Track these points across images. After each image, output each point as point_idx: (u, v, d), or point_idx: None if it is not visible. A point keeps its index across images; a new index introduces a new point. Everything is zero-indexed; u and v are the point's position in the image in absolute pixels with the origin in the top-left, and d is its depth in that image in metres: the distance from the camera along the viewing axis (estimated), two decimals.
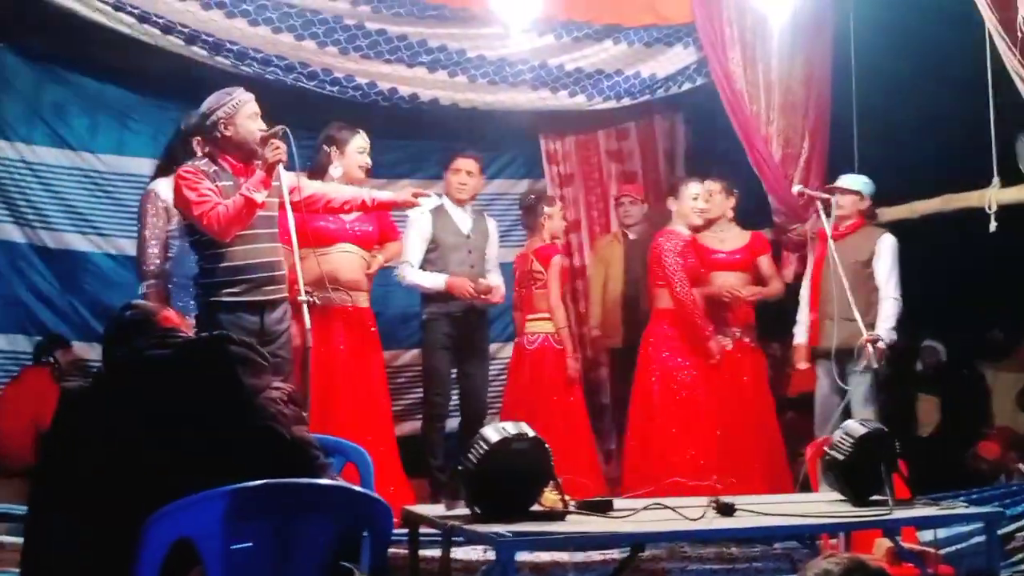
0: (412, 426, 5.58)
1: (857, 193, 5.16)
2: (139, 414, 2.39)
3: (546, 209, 5.47)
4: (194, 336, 2.56)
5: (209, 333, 2.62)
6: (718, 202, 5.43)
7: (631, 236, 5.91)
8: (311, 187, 4.29)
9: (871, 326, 4.92)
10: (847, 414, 4.69)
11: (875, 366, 4.59)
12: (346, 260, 4.68)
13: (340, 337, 4.65)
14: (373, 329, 4.80)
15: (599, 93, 6.02)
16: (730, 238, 5.49)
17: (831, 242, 4.72)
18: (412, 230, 5.14)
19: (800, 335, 5.29)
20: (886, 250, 5.11)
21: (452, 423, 5.34)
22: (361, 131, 4.76)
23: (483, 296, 5.07)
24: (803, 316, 5.30)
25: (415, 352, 5.74)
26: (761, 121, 5.86)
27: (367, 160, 4.74)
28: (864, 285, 5.03)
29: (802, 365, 5.28)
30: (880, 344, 4.82)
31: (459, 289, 5.01)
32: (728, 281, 5.37)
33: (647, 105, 6.28)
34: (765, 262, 5.53)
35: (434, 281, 5.07)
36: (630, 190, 6.09)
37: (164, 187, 4.57)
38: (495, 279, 5.27)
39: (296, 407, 2.57)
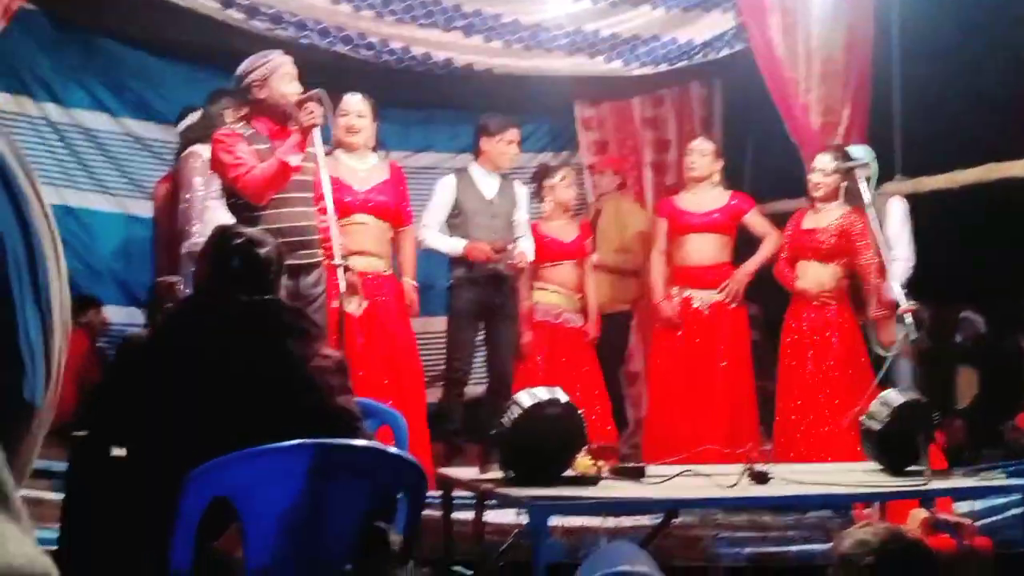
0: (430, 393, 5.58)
1: (865, 165, 4.95)
2: (189, 373, 2.41)
3: (545, 181, 5.44)
4: (247, 299, 2.52)
5: (262, 297, 2.55)
6: (707, 163, 5.29)
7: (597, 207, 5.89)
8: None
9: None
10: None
11: (913, 336, 4.46)
12: (361, 231, 4.67)
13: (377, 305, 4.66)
14: (391, 297, 4.74)
15: (636, 59, 5.95)
16: (707, 200, 5.32)
17: (871, 210, 4.62)
18: (435, 194, 5.15)
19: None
20: (894, 212, 4.96)
21: (473, 389, 5.35)
22: (349, 93, 4.65)
23: (507, 261, 5.06)
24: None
25: (429, 319, 5.70)
26: (800, 89, 5.76)
27: (355, 121, 4.65)
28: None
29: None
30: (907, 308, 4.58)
31: (476, 253, 5.00)
32: (702, 245, 5.27)
33: (683, 71, 6.19)
34: (754, 219, 5.34)
35: (453, 246, 5.07)
36: (610, 162, 6.07)
37: (206, 149, 4.59)
38: (524, 244, 5.25)
39: (344, 376, 2.57)
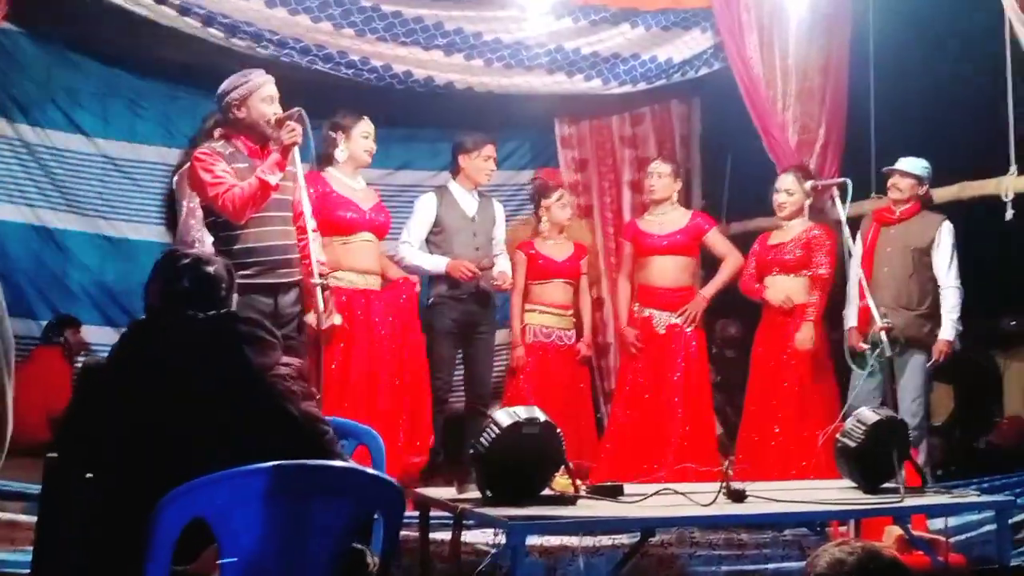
0: None
1: (916, 177, 5.04)
2: (152, 392, 2.41)
3: (543, 200, 5.53)
4: (202, 315, 2.55)
5: (217, 312, 2.60)
6: (666, 184, 5.38)
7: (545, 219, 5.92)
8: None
9: (929, 316, 4.91)
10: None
11: (888, 354, 4.50)
12: (366, 248, 4.80)
13: (377, 319, 4.77)
14: (392, 311, 4.87)
15: (615, 77, 5.99)
16: (669, 221, 5.40)
17: (845, 228, 4.66)
18: (415, 211, 5.20)
19: (851, 319, 5.11)
20: (946, 237, 5.00)
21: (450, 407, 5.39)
22: (366, 116, 4.84)
23: (488, 279, 5.11)
24: (853, 300, 5.08)
25: None
26: (777, 107, 5.82)
27: (372, 144, 4.85)
28: (920, 273, 4.97)
29: (864, 344, 4.99)
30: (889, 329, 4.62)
31: (458, 271, 5.03)
32: (665, 267, 5.33)
33: (663, 90, 6.24)
34: (715, 238, 5.43)
35: (435, 264, 5.11)
36: (549, 174, 6.13)
37: None
38: (503, 263, 5.29)
39: (305, 383, 2.58)
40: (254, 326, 2.54)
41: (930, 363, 4.93)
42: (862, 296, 4.91)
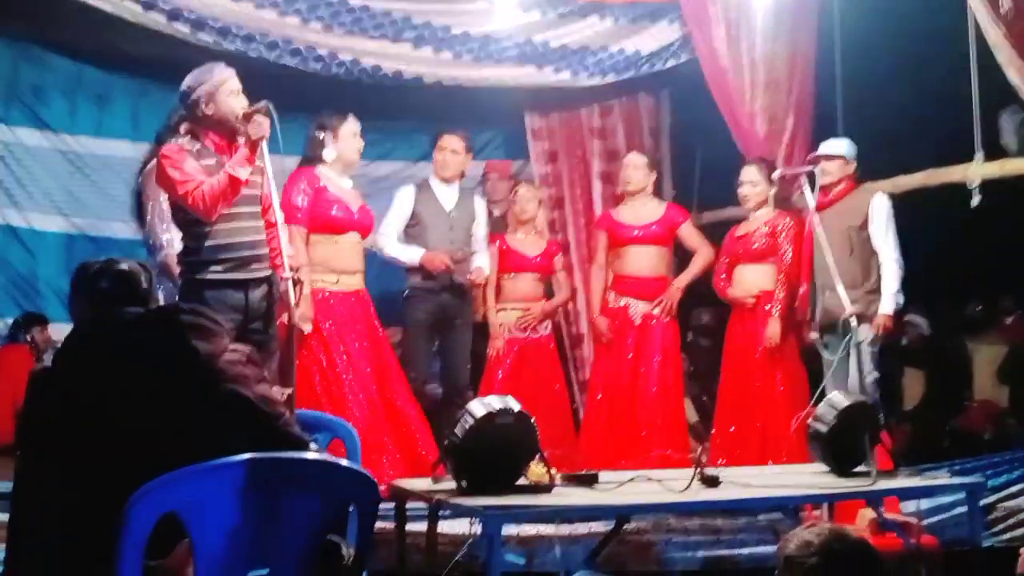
0: None
1: (841, 157, 5.05)
2: (101, 391, 2.39)
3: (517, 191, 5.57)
4: (140, 311, 2.56)
5: (158, 306, 2.62)
6: (642, 176, 5.44)
7: (495, 212, 5.92)
8: None
9: (875, 291, 4.88)
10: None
11: (858, 340, 4.51)
12: (352, 248, 4.82)
13: (352, 319, 4.77)
14: (371, 311, 4.88)
15: (584, 69, 6.00)
16: (645, 212, 5.45)
17: (815, 216, 4.70)
18: (393, 204, 5.22)
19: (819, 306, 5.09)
20: (879, 210, 4.97)
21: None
22: (352, 114, 4.83)
23: (464, 272, 5.11)
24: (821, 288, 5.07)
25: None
26: (745, 98, 5.85)
27: (360, 143, 4.85)
28: (861, 250, 4.94)
29: (813, 335, 5.09)
30: (881, 316, 4.78)
31: (433, 263, 5.03)
32: (641, 257, 5.37)
33: (631, 82, 6.25)
34: (688, 231, 5.50)
35: (411, 255, 5.12)
36: (496, 167, 6.13)
37: None
38: (480, 259, 5.30)
39: (257, 367, 2.57)
40: (196, 315, 2.53)
41: (871, 339, 4.84)
42: (805, 281, 5.05)
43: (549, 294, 5.58)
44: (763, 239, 5.21)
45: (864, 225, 4.96)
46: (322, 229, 4.69)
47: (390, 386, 4.81)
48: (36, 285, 5.62)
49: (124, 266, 2.65)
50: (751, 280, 5.22)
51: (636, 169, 5.44)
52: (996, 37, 4.63)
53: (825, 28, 5.90)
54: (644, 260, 5.40)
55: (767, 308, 5.12)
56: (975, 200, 5.00)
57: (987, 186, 5.03)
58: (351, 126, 4.81)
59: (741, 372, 5.18)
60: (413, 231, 5.18)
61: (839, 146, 5.12)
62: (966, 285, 6.75)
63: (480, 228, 5.36)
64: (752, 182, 5.26)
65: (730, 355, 5.27)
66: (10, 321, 5.57)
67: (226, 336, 2.54)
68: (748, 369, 5.15)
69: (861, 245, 4.94)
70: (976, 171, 5.05)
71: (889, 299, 4.88)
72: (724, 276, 5.34)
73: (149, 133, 5.57)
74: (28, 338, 5.51)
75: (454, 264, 5.08)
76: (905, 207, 5.46)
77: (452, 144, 5.22)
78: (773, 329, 5.07)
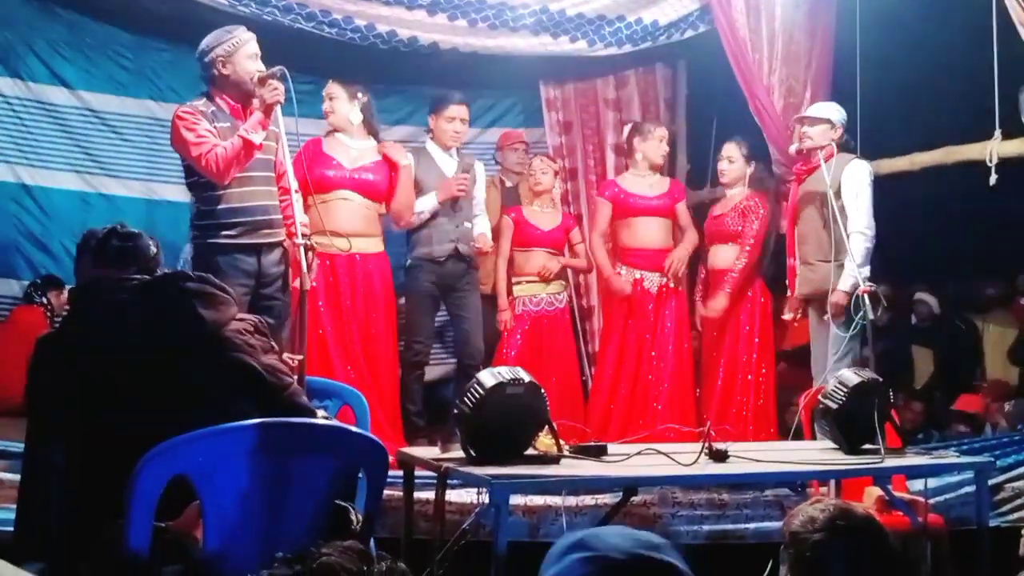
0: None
1: (827, 121, 4.88)
2: (106, 356, 2.40)
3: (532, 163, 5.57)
4: (147, 277, 2.56)
5: (165, 272, 2.63)
6: (664, 150, 5.46)
7: (508, 183, 5.91)
8: None
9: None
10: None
11: (871, 317, 4.44)
12: (345, 208, 4.71)
13: (341, 283, 4.72)
14: (376, 275, 4.82)
15: (600, 39, 5.94)
16: (655, 183, 5.47)
17: (830, 192, 4.64)
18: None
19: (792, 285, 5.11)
20: (850, 178, 4.71)
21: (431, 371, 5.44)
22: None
23: (468, 241, 5.08)
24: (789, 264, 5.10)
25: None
26: (763, 70, 5.78)
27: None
28: (837, 221, 4.65)
29: (786, 315, 5.18)
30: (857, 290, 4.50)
31: (449, 190, 5.00)
32: (647, 228, 5.38)
33: (648, 52, 6.19)
34: (681, 210, 5.52)
35: (428, 202, 5.03)
36: (511, 136, 6.09)
37: None
38: (482, 224, 5.27)
39: (264, 336, 2.57)
40: (203, 282, 2.53)
41: (824, 316, 4.73)
42: (791, 255, 5.03)
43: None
44: (734, 221, 5.32)
45: (838, 194, 4.72)
46: (309, 190, 4.42)
47: (373, 346, 4.79)
48: (51, 247, 5.62)
49: (133, 230, 2.66)
50: (723, 259, 5.33)
51: (661, 142, 5.45)
52: (1019, 14, 4.56)
53: (846, 1, 5.83)
54: (654, 231, 5.42)
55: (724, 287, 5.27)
56: (993, 178, 4.95)
57: (1005, 165, 4.98)
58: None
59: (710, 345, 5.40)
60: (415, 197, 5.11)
61: (825, 109, 4.98)
62: (982, 264, 6.70)
63: (480, 193, 5.31)
64: (730, 158, 5.37)
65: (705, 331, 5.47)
66: (25, 283, 5.57)
67: (234, 305, 2.54)
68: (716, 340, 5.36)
69: (836, 215, 4.64)
70: (995, 149, 4.99)
71: (847, 275, 4.60)
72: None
73: (167, 91, 5.58)
74: (44, 300, 5.52)
75: (463, 183, 5.01)
76: (920, 184, 5.43)
77: (461, 113, 5.16)
78: (718, 304, 5.24)
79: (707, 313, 5.28)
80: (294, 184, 3.94)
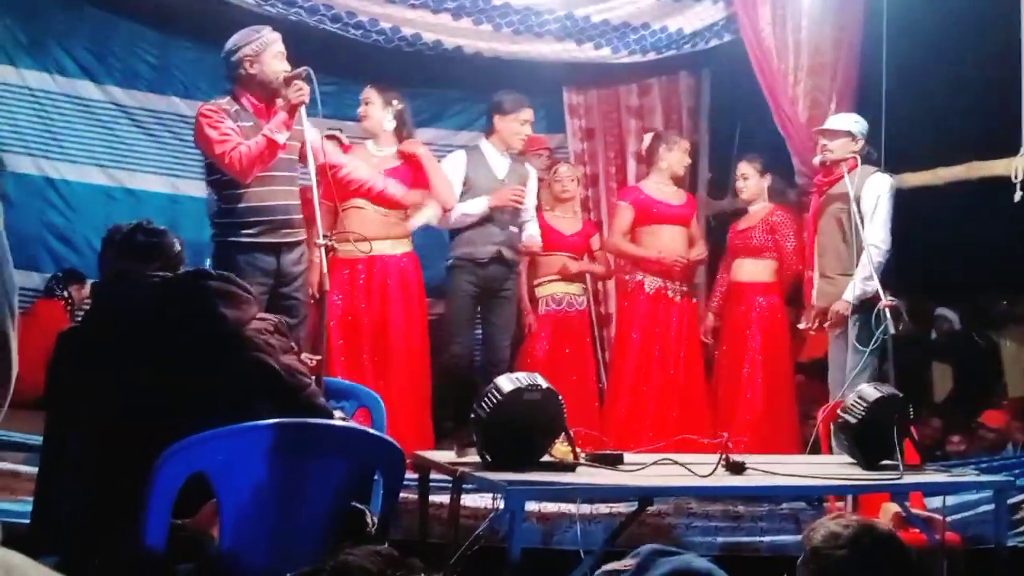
0: None
1: (847, 134, 4.83)
2: (127, 352, 2.40)
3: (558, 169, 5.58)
4: (171, 274, 2.57)
5: (187, 270, 2.64)
6: (681, 159, 5.47)
7: None
8: (335, 156, 4.42)
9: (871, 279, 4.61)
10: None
11: (892, 332, 4.41)
12: (358, 215, 4.67)
13: (357, 286, 4.72)
14: (395, 276, 4.78)
15: (625, 47, 5.93)
16: (675, 193, 5.50)
17: (853, 204, 4.61)
18: (446, 169, 5.04)
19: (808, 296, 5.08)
20: (870, 190, 4.68)
21: None
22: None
23: (518, 244, 5.09)
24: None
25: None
26: (788, 81, 5.76)
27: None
28: (857, 235, 4.64)
29: (801, 324, 5.11)
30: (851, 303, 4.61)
31: (503, 199, 4.98)
32: (670, 236, 5.40)
33: (672, 61, 6.18)
34: (694, 223, 5.59)
35: (478, 205, 5.00)
36: (535, 142, 5.98)
37: None
38: (532, 228, 5.26)
39: (284, 337, 2.57)
40: (225, 281, 2.53)
41: (826, 325, 4.78)
42: (810, 267, 5.02)
43: None
44: (763, 235, 5.35)
45: (858, 206, 4.66)
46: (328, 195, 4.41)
47: (395, 346, 4.74)
48: (74, 240, 5.64)
49: (157, 226, 2.67)
50: (747, 272, 5.37)
51: (686, 153, 5.48)
52: None
53: (873, 13, 5.80)
54: (678, 240, 5.45)
55: (760, 300, 5.29)
56: (1018, 195, 4.90)
57: None
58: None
59: (733, 357, 5.38)
60: (465, 196, 5.02)
61: (844, 121, 4.93)
62: (1005, 280, 6.65)
63: (530, 197, 5.27)
64: (744, 175, 5.45)
65: (722, 340, 5.47)
66: (47, 276, 5.60)
67: (255, 304, 2.55)
68: (739, 355, 5.34)
69: (857, 229, 4.62)
70: (1019, 165, 4.93)
71: (853, 286, 4.62)
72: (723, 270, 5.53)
73: (192, 88, 5.61)
74: (65, 294, 5.54)
75: (517, 197, 4.99)
76: (944, 198, 5.39)
77: (530, 116, 5.19)
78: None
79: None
80: (314, 184, 3.92)
